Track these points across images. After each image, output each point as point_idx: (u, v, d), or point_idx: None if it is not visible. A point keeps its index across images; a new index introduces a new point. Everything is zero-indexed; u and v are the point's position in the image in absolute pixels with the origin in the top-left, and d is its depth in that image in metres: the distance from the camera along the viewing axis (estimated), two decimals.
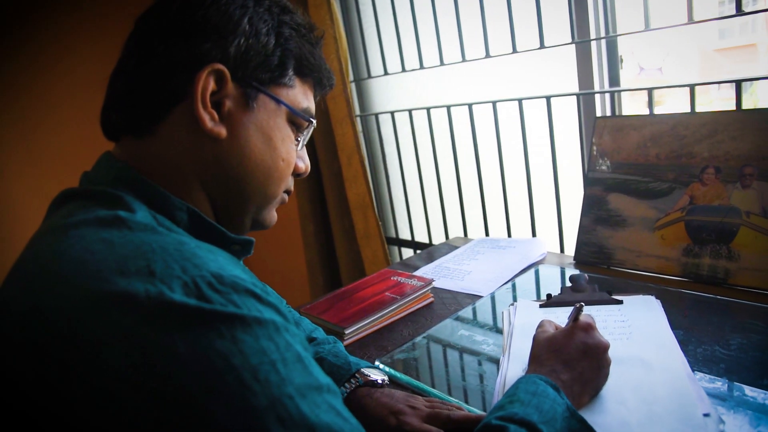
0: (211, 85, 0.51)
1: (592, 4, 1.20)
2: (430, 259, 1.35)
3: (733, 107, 1.04)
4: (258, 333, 0.39)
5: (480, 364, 0.81)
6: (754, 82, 1.04)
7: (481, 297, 1.06)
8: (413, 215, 1.85)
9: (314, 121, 0.60)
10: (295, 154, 0.60)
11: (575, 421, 0.53)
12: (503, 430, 0.49)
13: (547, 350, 0.63)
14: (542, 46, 1.25)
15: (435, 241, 1.79)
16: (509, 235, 1.52)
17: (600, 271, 1.09)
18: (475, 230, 1.64)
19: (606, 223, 1.12)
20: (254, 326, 0.39)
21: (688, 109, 1.09)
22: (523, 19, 1.28)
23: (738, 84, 1.03)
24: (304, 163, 0.63)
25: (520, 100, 1.35)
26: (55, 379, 0.38)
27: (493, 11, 1.33)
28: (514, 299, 0.98)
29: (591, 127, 1.24)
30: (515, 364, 0.74)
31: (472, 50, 1.43)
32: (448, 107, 1.56)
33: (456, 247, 1.41)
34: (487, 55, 1.38)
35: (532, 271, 1.15)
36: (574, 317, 0.65)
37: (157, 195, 0.51)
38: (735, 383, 0.66)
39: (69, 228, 0.46)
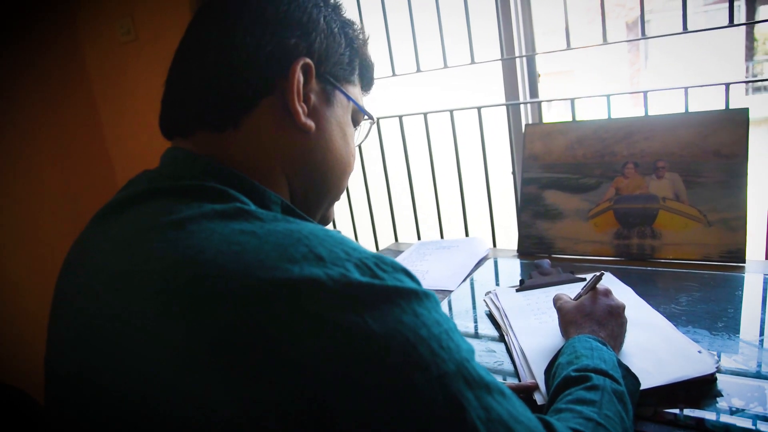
0: (302, 79, 0.52)
1: (516, 26, 1.36)
2: None
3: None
4: (428, 306, 0.41)
5: (487, 345, 0.88)
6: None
7: (450, 291, 1.14)
8: (338, 226, 1.87)
9: (376, 118, 0.63)
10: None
11: (622, 369, 0.62)
12: (586, 378, 0.56)
13: (581, 315, 0.71)
14: (473, 61, 1.38)
15: None
16: (442, 238, 1.62)
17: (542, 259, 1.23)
18: (405, 237, 1.72)
19: (544, 217, 1.27)
20: (424, 300, 0.41)
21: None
22: (454, 36, 1.40)
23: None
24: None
25: (451, 111, 1.47)
26: (240, 374, 0.36)
27: (424, 28, 1.44)
28: (487, 289, 1.07)
29: (519, 133, 1.40)
30: (526, 338, 0.82)
31: (402, 65, 1.51)
32: (377, 119, 1.63)
33: (399, 252, 1.47)
34: (418, 70, 1.48)
35: (484, 265, 1.26)
36: (592, 285, 0.75)
37: (254, 189, 0.50)
38: (698, 329, 0.82)
39: (184, 223, 0.42)
